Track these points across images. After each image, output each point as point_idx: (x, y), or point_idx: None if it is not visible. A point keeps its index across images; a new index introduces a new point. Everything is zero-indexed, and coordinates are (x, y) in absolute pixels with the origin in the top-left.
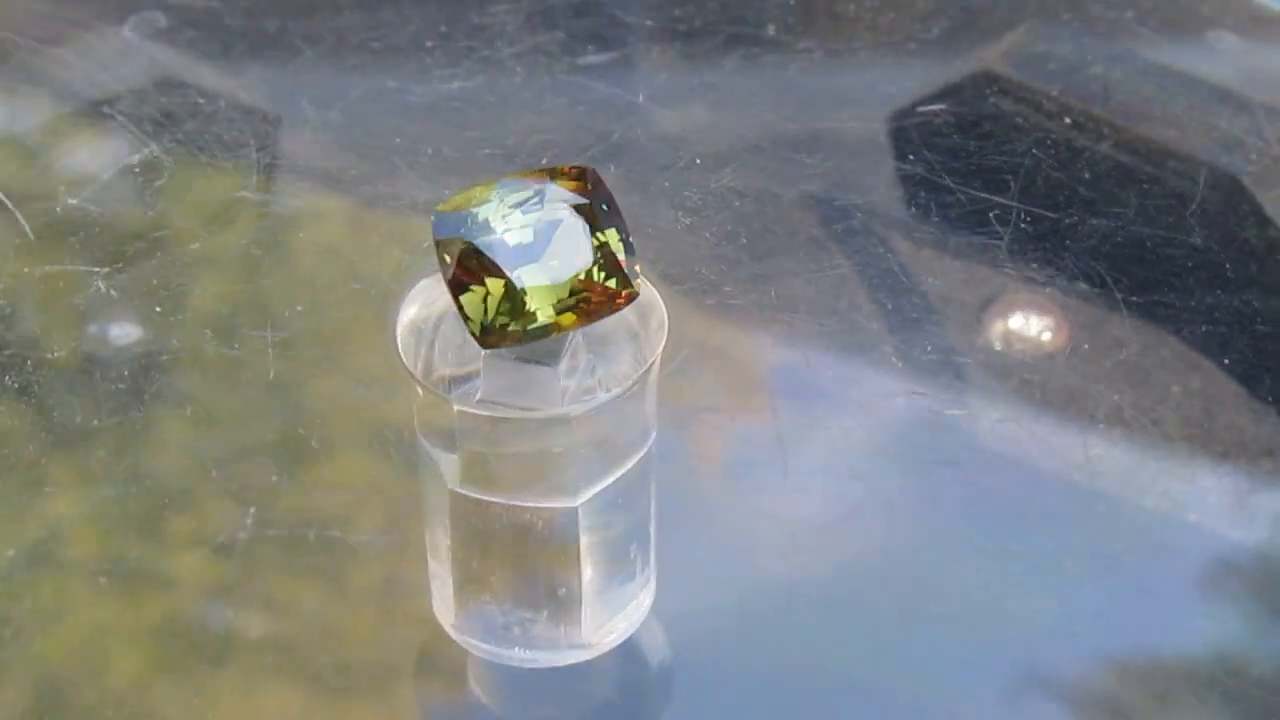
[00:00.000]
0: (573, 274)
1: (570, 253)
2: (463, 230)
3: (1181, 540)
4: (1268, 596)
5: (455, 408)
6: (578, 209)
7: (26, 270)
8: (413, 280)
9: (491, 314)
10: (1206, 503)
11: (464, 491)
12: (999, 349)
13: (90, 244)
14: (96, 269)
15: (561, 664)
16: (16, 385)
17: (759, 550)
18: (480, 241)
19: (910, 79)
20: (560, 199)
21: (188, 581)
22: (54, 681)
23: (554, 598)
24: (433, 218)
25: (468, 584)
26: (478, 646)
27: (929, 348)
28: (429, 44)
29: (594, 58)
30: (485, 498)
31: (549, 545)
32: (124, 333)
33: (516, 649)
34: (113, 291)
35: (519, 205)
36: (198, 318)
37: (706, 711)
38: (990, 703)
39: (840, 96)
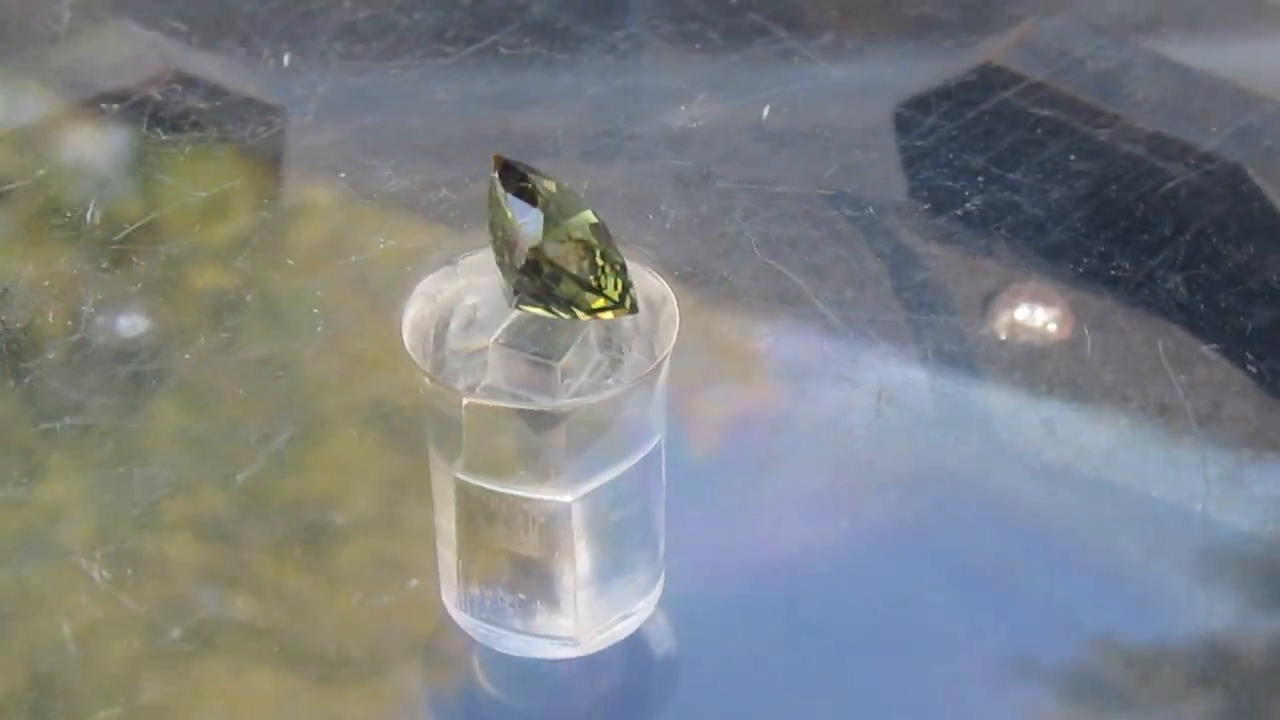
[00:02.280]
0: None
1: (573, 210)
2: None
3: (1189, 531)
4: (1268, 585)
5: (562, 410)
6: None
7: (26, 258)
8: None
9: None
10: (1212, 493)
11: (585, 496)
12: (1005, 339)
13: (90, 232)
14: (96, 257)
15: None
16: (13, 371)
17: (761, 538)
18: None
19: (918, 71)
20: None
21: (180, 565)
22: (45, 666)
23: (647, 552)
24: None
25: (601, 595)
26: (607, 640)
27: (936, 338)
28: (432, 38)
29: (597, 52)
30: (603, 479)
31: (640, 498)
32: (123, 319)
33: (626, 620)
34: (111, 279)
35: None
36: (195, 305)
37: (706, 692)
38: (990, 688)
39: (848, 89)
